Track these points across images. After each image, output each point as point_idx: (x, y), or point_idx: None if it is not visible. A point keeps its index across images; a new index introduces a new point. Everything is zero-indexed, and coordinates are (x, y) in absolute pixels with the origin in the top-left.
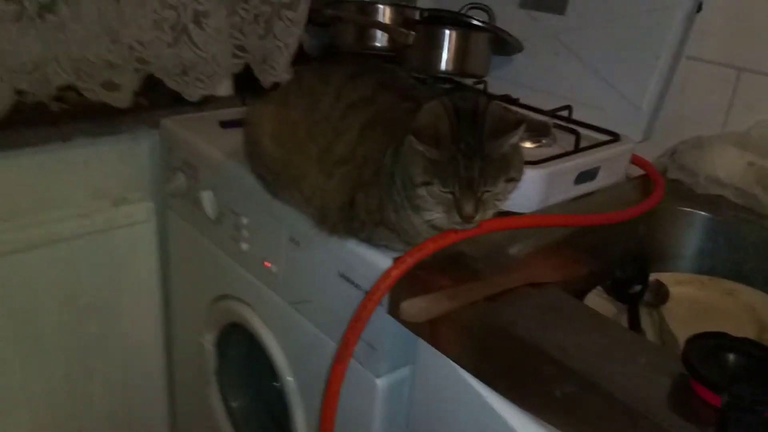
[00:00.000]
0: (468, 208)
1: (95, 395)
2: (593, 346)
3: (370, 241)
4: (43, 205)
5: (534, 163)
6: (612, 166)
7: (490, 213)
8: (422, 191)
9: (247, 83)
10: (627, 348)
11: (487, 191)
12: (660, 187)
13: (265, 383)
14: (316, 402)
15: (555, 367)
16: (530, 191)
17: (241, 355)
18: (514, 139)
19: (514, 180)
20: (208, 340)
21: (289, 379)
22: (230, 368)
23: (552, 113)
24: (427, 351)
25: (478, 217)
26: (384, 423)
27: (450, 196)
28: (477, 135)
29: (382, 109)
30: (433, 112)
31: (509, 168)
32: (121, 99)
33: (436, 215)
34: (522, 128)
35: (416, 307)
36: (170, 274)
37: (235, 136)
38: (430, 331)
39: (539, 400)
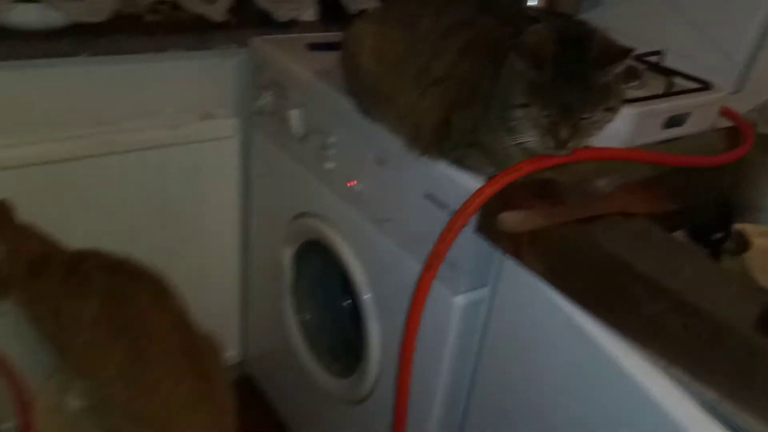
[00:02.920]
0: (564, 132)
1: None
2: (684, 271)
3: (460, 162)
4: (137, 112)
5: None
6: (701, 113)
7: (584, 141)
8: (519, 113)
9: (329, 10)
10: (718, 276)
11: (585, 118)
12: (750, 138)
13: (335, 300)
14: (391, 317)
15: (645, 286)
16: (618, 130)
17: (315, 272)
18: (619, 69)
19: (613, 110)
20: (286, 256)
21: (366, 296)
22: (303, 283)
23: (641, 57)
24: (511, 269)
25: (572, 144)
26: (458, 341)
27: (547, 119)
28: (582, 61)
29: (482, 32)
30: (539, 34)
31: (609, 97)
32: (217, 12)
33: (531, 138)
34: (629, 57)
35: (513, 218)
36: (250, 190)
37: (324, 59)
38: (516, 248)
39: (627, 317)
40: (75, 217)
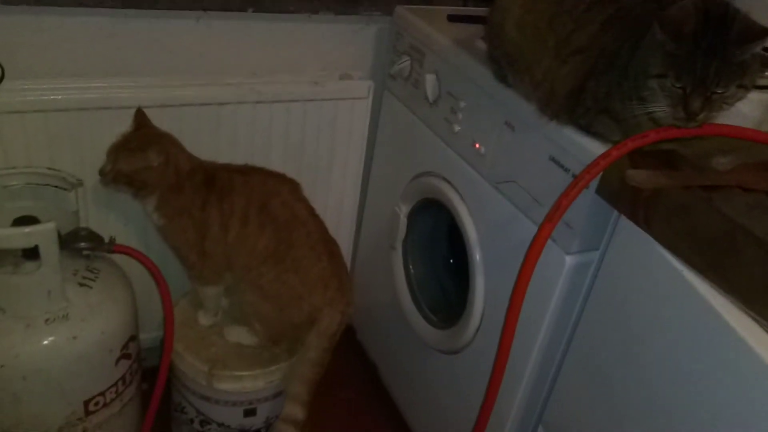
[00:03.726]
0: (695, 104)
1: None
2: None
3: (589, 128)
4: (285, 67)
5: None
6: None
7: (713, 116)
8: (654, 83)
9: None
10: None
11: (718, 92)
12: None
13: (440, 257)
14: (498, 274)
15: (761, 249)
16: (747, 115)
17: (426, 230)
18: (757, 48)
19: (746, 87)
20: (403, 212)
21: (476, 253)
22: (412, 239)
23: None
24: (625, 233)
25: (702, 117)
26: (563, 299)
27: (680, 91)
28: (721, 37)
29: (625, 7)
30: (683, 9)
31: (744, 74)
32: None
33: (661, 108)
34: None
35: (639, 175)
36: (375, 148)
37: (461, 30)
38: (634, 209)
39: (738, 278)
40: (224, 154)
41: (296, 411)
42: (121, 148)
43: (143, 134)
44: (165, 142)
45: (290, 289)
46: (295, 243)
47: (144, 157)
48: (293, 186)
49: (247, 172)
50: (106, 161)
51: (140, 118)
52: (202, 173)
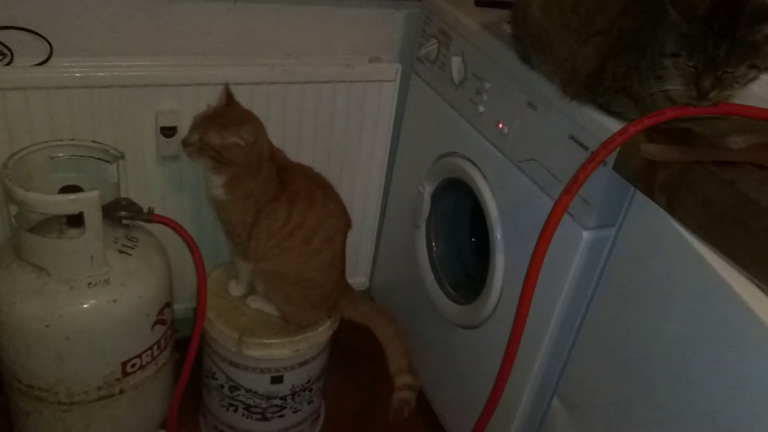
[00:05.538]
0: (706, 83)
1: None
2: None
3: (608, 106)
4: (317, 50)
5: None
6: None
7: (725, 95)
8: (668, 62)
9: None
10: None
11: (728, 72)
12: None
13: (461, 236)
14: (517, 251)
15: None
16: (763, 96)
17: (449, 209)
18: None
19: (757, 68)
20: (427, 191)
21: (497, 230)
22: (437, 218)
23: None
24: (640, 209)
25: (713, 95)
26: (579, 274)
27: (692, 69)
28: (734, 18)
29: None
30: None
31: (756, 55)
32: None
33: (675, 87)
34: None
35: (653, 149)
36: (401, 129)
37: (488, 14)
38: (650, 185)
39: (746, 249)
40: None
41: (406, 379)
42: (213, 122)
43: (236, 111)
44: (256, 123)
45: (311, 301)
46: (331, 280)
47: (237, 134)
48: (349, 225)
49: (325, 187)
50: (192, 132)
51: (229, 94)
52: (276, 165)
